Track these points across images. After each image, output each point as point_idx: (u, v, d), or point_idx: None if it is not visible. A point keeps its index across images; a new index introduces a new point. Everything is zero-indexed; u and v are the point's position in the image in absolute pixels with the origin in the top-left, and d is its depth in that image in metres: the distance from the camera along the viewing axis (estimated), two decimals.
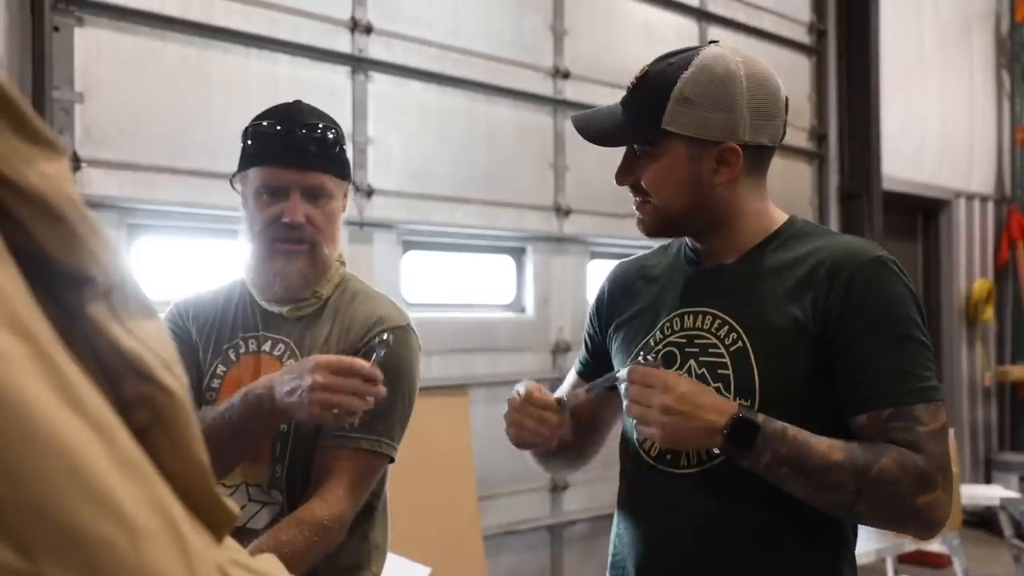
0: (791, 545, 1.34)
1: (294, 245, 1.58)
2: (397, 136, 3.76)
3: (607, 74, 4.54)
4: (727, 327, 1.37)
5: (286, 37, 3.40)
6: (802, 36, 5.71)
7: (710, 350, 1.38)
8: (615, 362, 1.52)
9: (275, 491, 1.58)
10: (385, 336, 1.50)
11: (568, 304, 4.43)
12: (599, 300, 1.61)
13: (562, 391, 1.61)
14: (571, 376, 1.66)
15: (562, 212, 4.36)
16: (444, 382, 3.83)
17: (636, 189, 1.42)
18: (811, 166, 5.72)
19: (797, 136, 5.53)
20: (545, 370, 4.33)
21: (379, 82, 3.70)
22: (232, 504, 0.45)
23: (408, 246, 3.89)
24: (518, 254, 4.33)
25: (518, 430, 1.41)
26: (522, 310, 4.33)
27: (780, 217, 1.45)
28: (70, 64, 2.90)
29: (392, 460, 1.61)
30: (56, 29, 2.86)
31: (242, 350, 1.64)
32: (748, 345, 1.35)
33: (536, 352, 4.32)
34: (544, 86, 4.30)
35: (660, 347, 1.43)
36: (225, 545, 0.45)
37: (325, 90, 3.51)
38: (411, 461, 3.44)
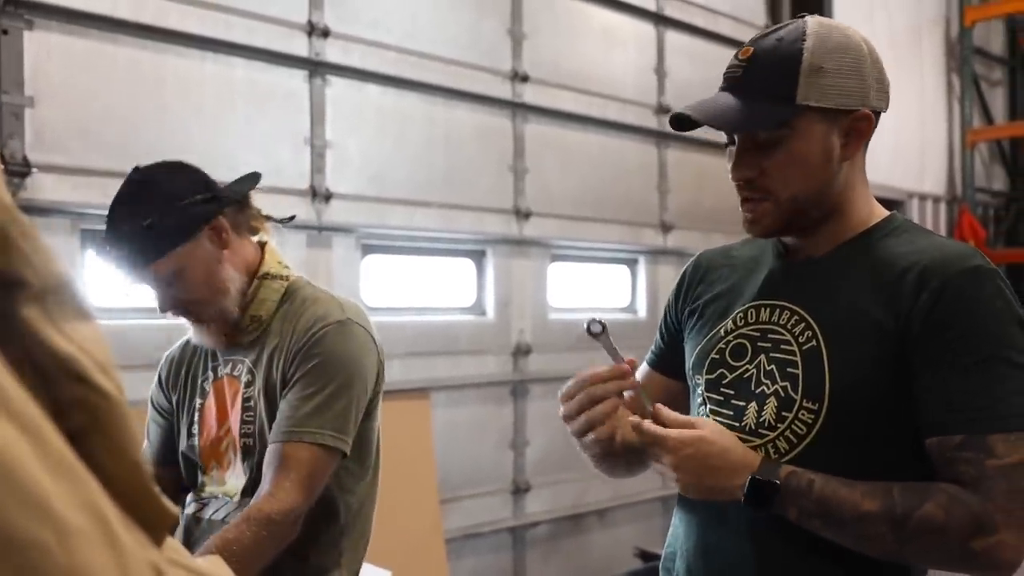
0: (851, 562, 1.24)
1: (189, 322, 1.70)
2: (355, 140, 3.75)
3: (566, 77, 4.57)
4: (803, 324, 1.28)
5: (242, 40, 3.38)
6: None
7: (782, 346, 1.29)
8: (686, 348, 1.45)
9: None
10: None
11: (529, 307, 4.44)
12: (678, 286, 1.52)
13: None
14: (643, 367, 1.55)
15: (522, 215, 4.37)
16: (405, 385, 3.82)
17: (752, 185, 1.28)
18: None
19: None
20: (506, 373, 4.35)
21: (337, 86, 3.69)
22: (171, 505, 0.45)
23: (367, 250, 3.88)
24: (478, 257, 4.34)
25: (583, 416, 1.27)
26: (483, 313, 4.34)
27: (880, 212, 1.35)
28: (20, 68, 2.85)
29: (345, 454, 1.61)
30: (5, 32, 2.82)
31: (211, 379, 1.73)
32: (822, 345, 1.25)
33: (497, 355, 4.33)
34: (503, 89, 4.31)
35: (731, 338, 1.35)
36: (165, 546, 0.45)
37: (282, 94, 3.50)
38: None
